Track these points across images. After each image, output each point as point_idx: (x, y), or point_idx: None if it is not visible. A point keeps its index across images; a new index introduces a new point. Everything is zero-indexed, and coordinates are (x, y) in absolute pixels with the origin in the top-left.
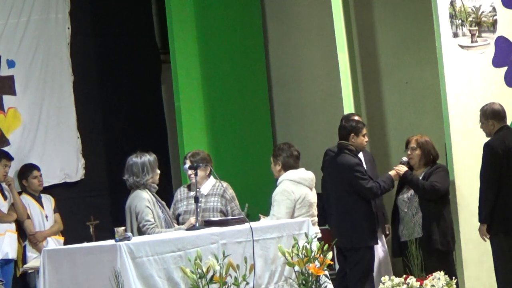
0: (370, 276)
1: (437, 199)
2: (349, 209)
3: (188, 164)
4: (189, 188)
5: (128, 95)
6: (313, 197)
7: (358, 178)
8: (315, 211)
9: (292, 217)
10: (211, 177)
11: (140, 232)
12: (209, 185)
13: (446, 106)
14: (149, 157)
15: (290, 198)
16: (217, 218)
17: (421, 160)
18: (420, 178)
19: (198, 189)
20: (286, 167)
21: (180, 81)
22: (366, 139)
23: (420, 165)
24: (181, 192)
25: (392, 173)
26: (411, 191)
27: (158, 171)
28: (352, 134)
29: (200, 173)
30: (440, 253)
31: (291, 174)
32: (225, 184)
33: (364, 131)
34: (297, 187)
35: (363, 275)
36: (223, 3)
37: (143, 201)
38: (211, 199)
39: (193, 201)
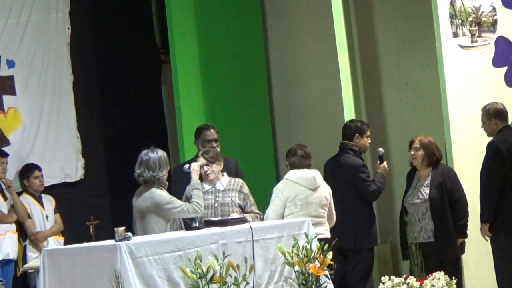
0: (370, 276)
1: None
2: (352, 209)
3: (201, 161)
4: None
5: (128, 95)
6: (314, 197)
7: (362, 180)
8: (315, 211)
9: (283, 214)
10: (225, 174)
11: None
12: (224, 181)
13: (446, 106)
14: (163, 153)
15: (279, 195)
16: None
17: (424, 160)
18: (427, 181)
19: (213, 186)
20: (292, 167)
21: (180, 81)
22: (370, 141)
23: (423, 165)
24: None
25: (382, 168)
26: (416, 195)
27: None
28: (357, 134)
29: (216, 167)
30: (450, 260)
31: (290, 173)
32: (240, 180)
33: (369, 132)
34: (290, 185)
35: (364, 275)
36: (223, 3)
37: (164, 194)
38: (228, 194)
39: (209, 196)
